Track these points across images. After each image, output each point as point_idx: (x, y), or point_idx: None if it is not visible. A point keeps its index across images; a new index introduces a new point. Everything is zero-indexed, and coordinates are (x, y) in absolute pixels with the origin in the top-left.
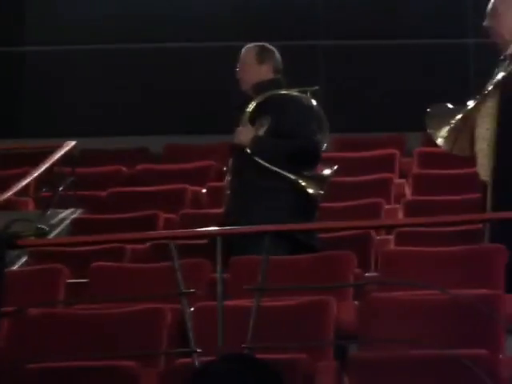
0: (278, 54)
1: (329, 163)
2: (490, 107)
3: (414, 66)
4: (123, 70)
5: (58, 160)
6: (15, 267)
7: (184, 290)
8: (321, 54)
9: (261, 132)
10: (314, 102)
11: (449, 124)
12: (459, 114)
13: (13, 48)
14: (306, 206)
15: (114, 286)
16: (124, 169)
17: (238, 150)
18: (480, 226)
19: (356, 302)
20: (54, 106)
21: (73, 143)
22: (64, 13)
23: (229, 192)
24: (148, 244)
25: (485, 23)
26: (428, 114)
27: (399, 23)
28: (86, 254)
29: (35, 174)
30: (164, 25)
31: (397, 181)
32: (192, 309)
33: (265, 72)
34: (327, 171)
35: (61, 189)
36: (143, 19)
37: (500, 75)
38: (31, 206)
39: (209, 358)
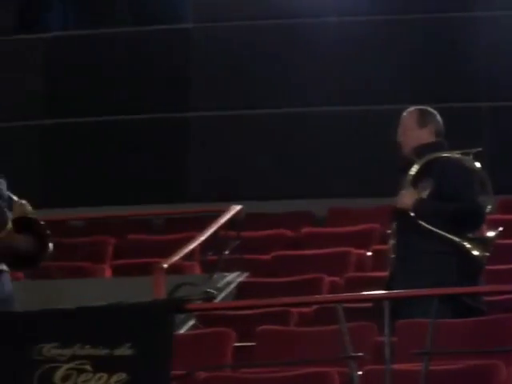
0: (439, 117)
1: (493, 225)
2: None
3: None
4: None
5: (224, 224)
6: (182, 331)
7: (352, 354)
8: (485, 115)
9: (423, 195)
10: (478, 164)
11: None
12: None
13: (177, 114)
14: (471, 269)
15: (280, 350)
16: (288, 232)
17: (401, 213)
18: None
19: None
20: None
21: (239, 207)
22: None
23: (393, 256)
24: (313, 307)
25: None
26: None
27: None
28: (252, 318)
29: (202, 238)
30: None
31: None
32: (360, 372)
33: (426, 135)
34: (491, 233)
35: (226, 252)
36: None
37: None
38: (197, 269)
39: None
